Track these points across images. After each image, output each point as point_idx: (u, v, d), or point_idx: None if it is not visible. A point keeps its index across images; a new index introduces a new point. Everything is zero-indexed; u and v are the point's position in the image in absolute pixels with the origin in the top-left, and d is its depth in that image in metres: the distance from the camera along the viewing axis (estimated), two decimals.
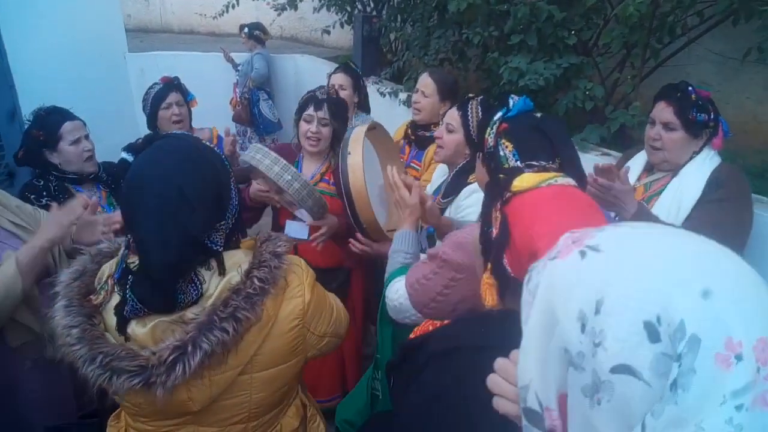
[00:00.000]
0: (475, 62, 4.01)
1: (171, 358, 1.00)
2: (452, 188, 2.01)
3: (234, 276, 1.10)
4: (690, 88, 1.95)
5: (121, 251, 1.12)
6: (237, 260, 1.13)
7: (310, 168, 2.48)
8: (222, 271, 1.09)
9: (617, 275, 0.55)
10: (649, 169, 2.13)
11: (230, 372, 1.10)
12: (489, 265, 0.98)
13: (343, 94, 3.18)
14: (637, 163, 2.17)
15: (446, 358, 0.99)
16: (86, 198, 1.86)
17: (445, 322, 1.17)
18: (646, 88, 3.16)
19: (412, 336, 1.25)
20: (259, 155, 2.06)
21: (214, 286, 1.08)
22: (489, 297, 0.97)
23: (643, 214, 1.89)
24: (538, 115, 1.45)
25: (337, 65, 5.16)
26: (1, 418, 1.84)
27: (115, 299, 1.07)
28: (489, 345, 0.97)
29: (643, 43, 2.90)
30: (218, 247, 1.10)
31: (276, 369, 1.19)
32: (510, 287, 0.96)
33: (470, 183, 1.94)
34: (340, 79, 3.20)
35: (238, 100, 5.61)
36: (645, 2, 2.65)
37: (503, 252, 0.95)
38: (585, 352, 0.54)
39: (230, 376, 1.11)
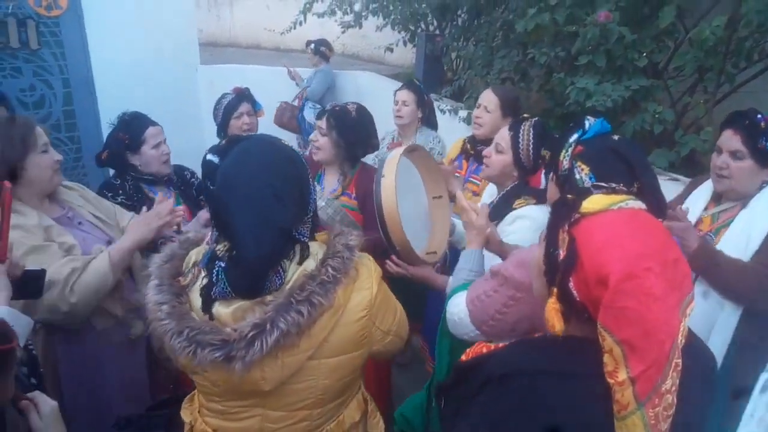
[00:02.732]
0: (537, 82, 3.98)
1: (251, 334, 1.07)
2: (497, 213, 1.95)
3: (309, 264, 1.18)
4: (759, 116, 1.86)
5: (208, 241, 1.22)
6: (313, 251, 1.21)
7: (331, 182, 2.54)
8: (303, 259, 1.17)
9: None
10: (716, 198, 2.03)
11: (301, 355, 1.17)
12: (555, 290, 0.96)
13: (405, 110, 3.31)
14: (703, 192, 2.08)
15: (503, 384, 0.97)
16: (171, 204, 2.00)
17: (501, 345, 1.15)
18: (719, 113, 3.04)
19: (464, 358, 1.23)
20: None
21: (291, 273, 1.16)
22: (556, 322, 0.94)
23: (705, 252, 1.81)
24: (616, 137, 1.42)
25: (398, 82, 5.23)
26: (79, 401, 1.95)
27: (200, 282, 1.16)
28: (549, 371, 0.95)
29: (718, 68, 2.81)
30: (305, 238, 1.20)
31: (342, 357, 1.24)
32: (576, 312, 0.94)
33: (515, 208, 1.90)
34: (404, 95, 3.35)
35: (286, 104, 5.74)
36: (721, 26, 2.58)
37: (570, 275, 0.93)
38: None
39: (301, 359, 1.17)
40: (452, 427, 1.06)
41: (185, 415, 1.38)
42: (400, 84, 5.40)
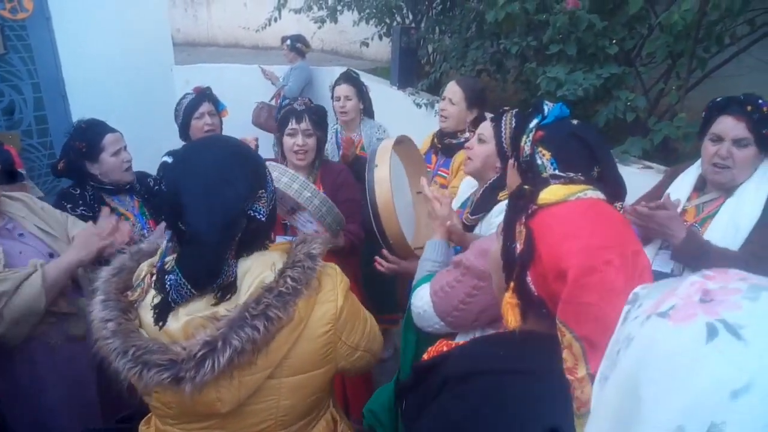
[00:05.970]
0: (513, 74, 3.96)
1: (201, 353, 1.00)
2: (482, 205, 1.93)
3: (268, 275, 1.10)
4: (761, 101, 1.78)
5: (161, 250, 1.14)
6: (271, 260, 1.14)
7: None
8: (259, 248, 1.12)
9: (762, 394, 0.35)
10: (699, 188, 1.95)
11: (259, 374, 1.10)
12: (512, 284, 0.93)
13: (349, 104, 3.26)
14: (686, 181, 1.99)
15: (463, 384, 0.94)
16: (112, 221, 1.93)
17: (461, 342, 1.12)
18: (692, 99, 3.03)
19: (425, 357, 1.21)
20: (276, 173, 2.01)
21: (248, 284, 1.08)
22: (511, 317, 0.92)
23: (694, 242, 1.74)
24: (575, 121, 1.41)
25: (375, 78, 5.17)
26: (21, 421, 1.88)
27: (151, 297, 1.08)
28: (508, 370, 0.92)
29: (689, 53, 2.79)
30: (262, 216, 1.12)
31: (305, 375, 1.17)
32: (534, 307, 0.92)
33: (501, 200, 1.86)
34: (345, 90, 3.28)
35: (263, 104, 5.66)
36: (691, 10, 2.55)
37: (527, 269, 0.90)
38: None
39: (259, 378, 1.10)
40: (412, 429, 1.03)
41: None
42: (378, 79, 5.38)
